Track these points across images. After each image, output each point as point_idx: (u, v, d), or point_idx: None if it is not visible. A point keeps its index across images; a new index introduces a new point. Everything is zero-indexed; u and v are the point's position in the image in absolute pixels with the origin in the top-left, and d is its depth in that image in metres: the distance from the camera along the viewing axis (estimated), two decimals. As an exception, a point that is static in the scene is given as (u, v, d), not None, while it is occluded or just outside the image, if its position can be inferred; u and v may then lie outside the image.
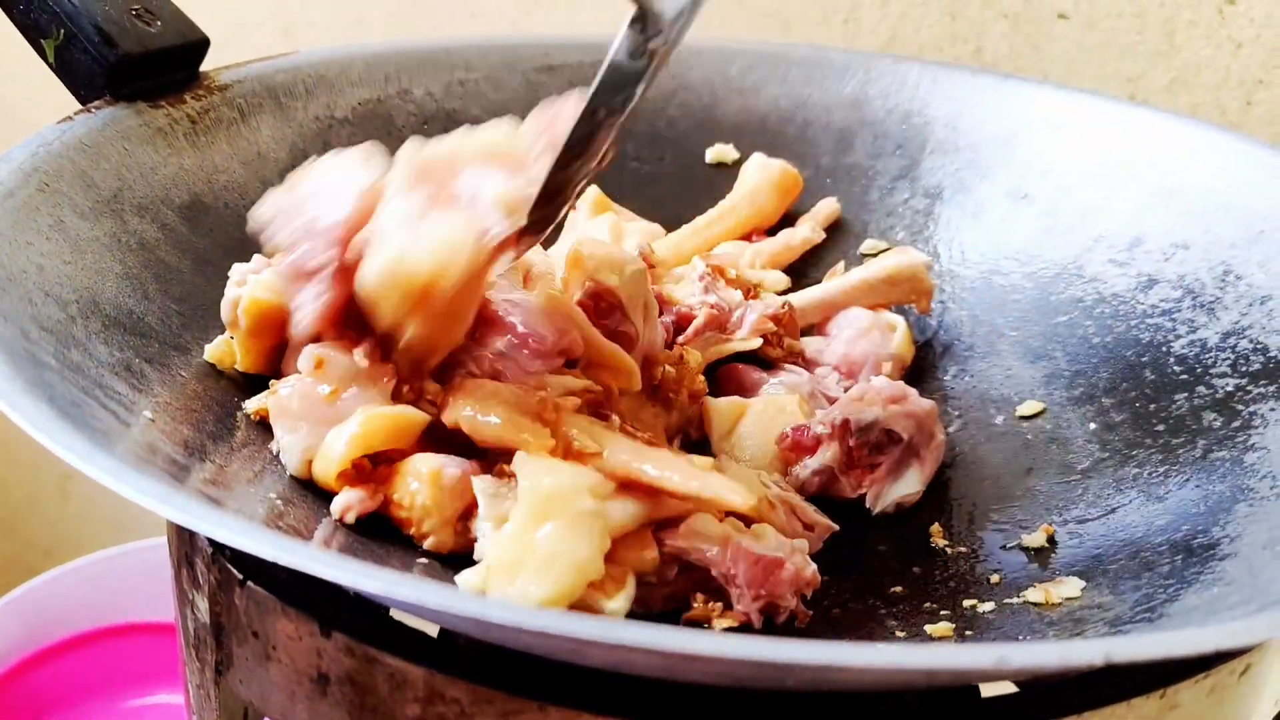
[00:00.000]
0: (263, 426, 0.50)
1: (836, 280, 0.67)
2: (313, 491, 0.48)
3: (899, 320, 0.64)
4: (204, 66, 0.65)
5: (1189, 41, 0.77)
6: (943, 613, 0.47)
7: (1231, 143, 0.64)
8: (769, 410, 0.58)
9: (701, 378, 0.58)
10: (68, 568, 1.08)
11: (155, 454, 0.41)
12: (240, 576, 0.42)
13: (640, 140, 0.76)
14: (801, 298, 0.66)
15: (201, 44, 0.65)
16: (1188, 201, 0.62)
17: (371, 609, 0.42)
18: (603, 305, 0.55)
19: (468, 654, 0.40)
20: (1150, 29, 0.78)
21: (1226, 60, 0.76)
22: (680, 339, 0.60)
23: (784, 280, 0.68)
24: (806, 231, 0.71)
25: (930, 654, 0.32)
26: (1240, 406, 0.54)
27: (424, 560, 0.46)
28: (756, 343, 0.61)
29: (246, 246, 0.56)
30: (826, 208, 0.73)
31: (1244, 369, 0.56)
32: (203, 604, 0.45)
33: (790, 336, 0.63)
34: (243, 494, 0.44)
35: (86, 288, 0.50)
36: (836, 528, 0.52)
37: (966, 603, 0.48)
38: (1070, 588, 0.47)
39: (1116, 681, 0.40)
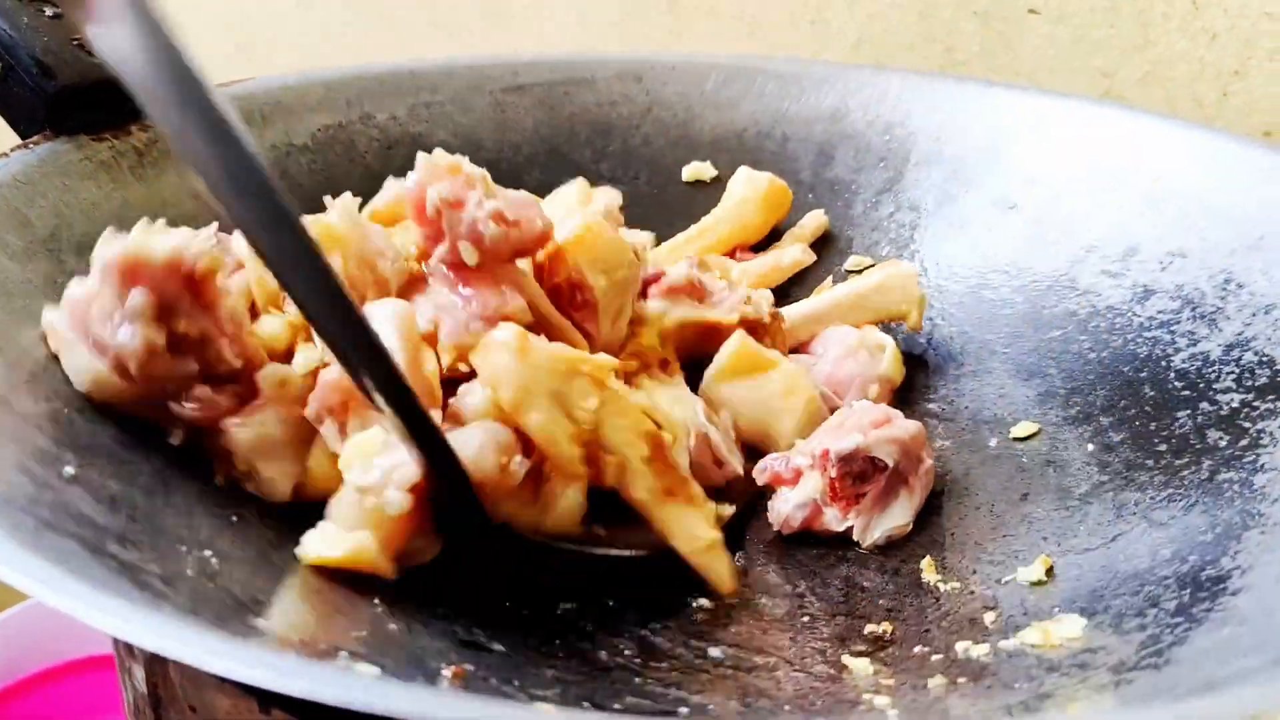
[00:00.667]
0: (207, 467, 0.47)
1: (825, 295, 0.64)
2: (254, 543, 0.44)
3: (888, 340, 0.61)
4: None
5: (1164, 34, 0.74)
6: (934, 658, 0.44)
7: (1222, 144, 0.60)
8: (783, 381, 0.56)
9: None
10: (44, 597, 1.06)
11: (68, 517, 0.38)
12: (172, 646, 0.39)
13: (614, 159, 0.74)
14: (788, 313, 0.62)
15: (148, 73, 0.62)
16: (1181, 207, 0.59)
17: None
18: (577, 300, 0.53)
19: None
20: (1123, 22, 0.76)
21: (1201, 52, 0.73)
22: (654, 290, 0.58)
23: (769, 299, 0.65)
24: (798, 253, 0.68)
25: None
26: (1247, 424, 0.51)
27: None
28: (734, 318, 0.58)
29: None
30: (813, 221, 0.70)
31: (1249, 383, 0.52)
32: (139, 674, 0.42)
33: (779, 350, 0.60)
34: (170, 553, 0.40)
35: (12, 335, 0.46)
36: (740, 474, 0.53)
37: (959, 646, 0.45)
38: (1071, 626, 0.44)
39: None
